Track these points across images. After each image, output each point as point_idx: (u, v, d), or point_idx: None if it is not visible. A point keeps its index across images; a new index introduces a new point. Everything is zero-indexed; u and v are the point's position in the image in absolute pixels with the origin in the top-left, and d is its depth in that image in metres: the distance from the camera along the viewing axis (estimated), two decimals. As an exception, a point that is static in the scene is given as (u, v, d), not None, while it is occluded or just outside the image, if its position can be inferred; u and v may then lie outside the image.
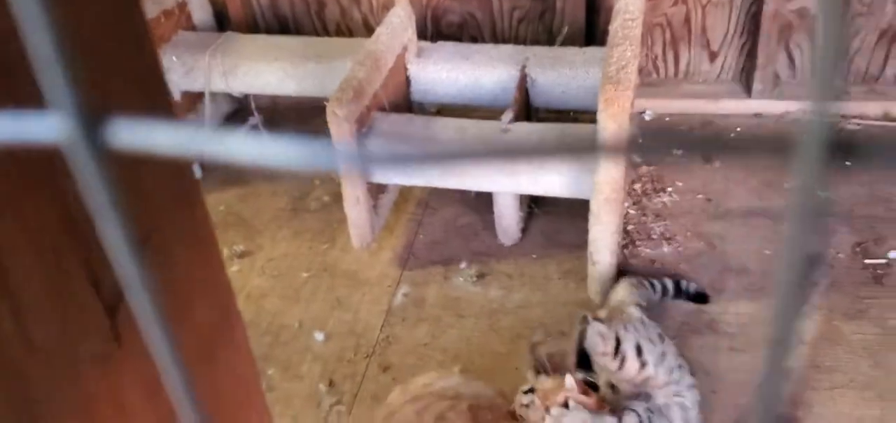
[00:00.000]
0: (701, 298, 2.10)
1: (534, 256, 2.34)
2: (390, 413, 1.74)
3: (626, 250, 2.28)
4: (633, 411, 1.61)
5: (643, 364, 1.69)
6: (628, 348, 1.69)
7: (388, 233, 2.46)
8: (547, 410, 1.59)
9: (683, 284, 2.11)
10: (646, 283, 2.06)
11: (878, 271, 2.12)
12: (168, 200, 0.53)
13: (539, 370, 1.81)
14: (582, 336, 1.72)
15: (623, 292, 2.00)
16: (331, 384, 2.02)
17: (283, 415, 1.93)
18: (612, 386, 1.72)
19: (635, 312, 1.89)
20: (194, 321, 0.61)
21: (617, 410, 1.64)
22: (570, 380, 1.62)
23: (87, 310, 0.46)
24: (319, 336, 2.15)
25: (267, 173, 2.78)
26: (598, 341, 1.69)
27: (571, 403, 1.56)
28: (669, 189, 2.49)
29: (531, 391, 1.68)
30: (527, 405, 1.64)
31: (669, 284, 2.10)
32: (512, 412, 1.70)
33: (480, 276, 2.30)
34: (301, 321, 2.21)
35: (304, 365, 2.08)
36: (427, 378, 1.83)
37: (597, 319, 1.76)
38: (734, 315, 2.07)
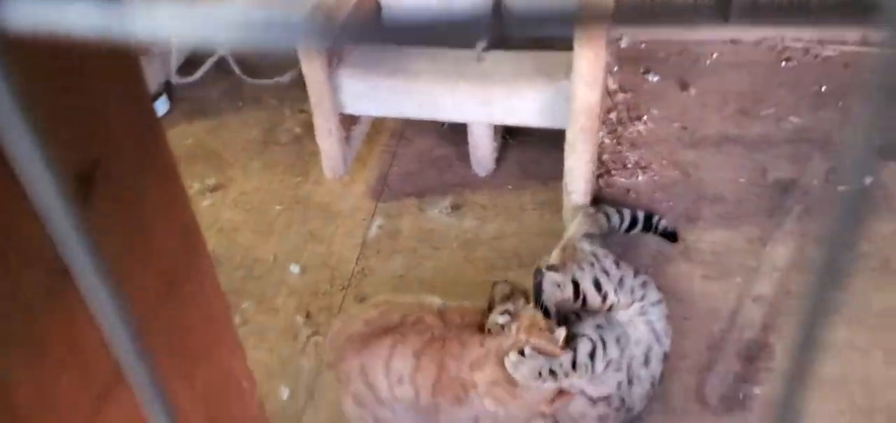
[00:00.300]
0: (670, 236, 2.10)
1: (509, 187, 2.32)
2: (355, 314, 1.74)
3: (601, 180, 2.27)
4: (585, 336, 1.59)
5: (605, 296, 1.71)
6: (587, 287, 1.71)
7: (361, 165, 2.43)
8: (519, 342, 1.58)
9: (655, 218, 2.10)
10: (611, 211, 2.05)
11: (851, 198, 2.12)
12: (119, 125, 0.50)
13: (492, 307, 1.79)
14: (538, 289, 1.69)
15: (573, 228, 1.99)
16: (307, 316, 2.01)
17: (258, 348, 1.92)
18: (578, 314, 1.72)
19: (586, 246, 1.87)
20: (155, 255, 0.59)
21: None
22: (560, 334, 1.56)
23: (29, 239, 0.43)
24: (295, 269, 2.13)
25: (236, 105, 2.72)
26: (556, 291, 1.69)
27: (527, 350, 1.54)
28: (645, 117, 2.47)
29: (509, 313, 1.66)
30: (502, 326, 1.62)
31: (640, 215, 2.09)
32: (481, 324, 1.67)
33: (455, 207, 2.28)
34: (275, 255, 2.18)
35: (279, 298, 2.07)
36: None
37: (551, 268, 1.74)
38: (708, 243, 2.08)
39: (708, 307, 1.93)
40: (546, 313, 1.65)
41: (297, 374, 1.88)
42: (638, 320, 1.68)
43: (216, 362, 0.66)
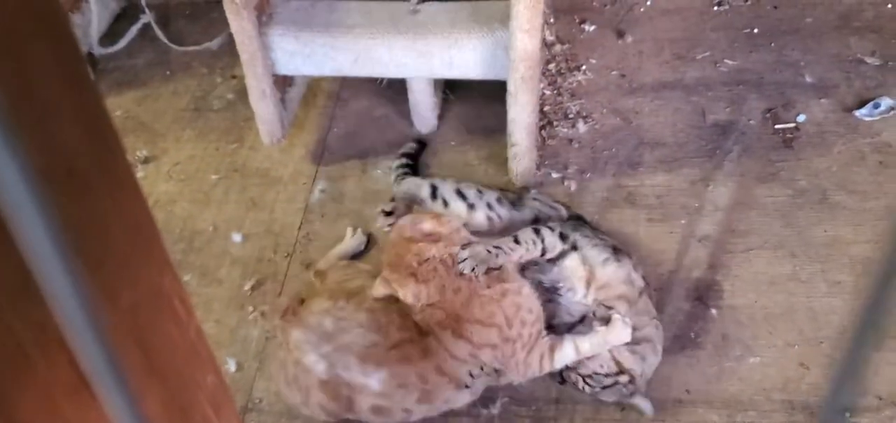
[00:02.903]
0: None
1: (452, 143, 2.30)
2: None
3: (543, 132, 2.26)
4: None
5: (471, 206, 1.90)
6: (447, 194, 1.94)
7: (298, 129, 2.36)
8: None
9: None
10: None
11: (788, 135, 2.17)
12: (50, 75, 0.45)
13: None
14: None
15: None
16: (253, 286, 1.95)
17: (205, 321, 1.86)
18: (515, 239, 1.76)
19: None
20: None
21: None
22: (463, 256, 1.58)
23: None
24: (237, 238, 2.06)
25: (164, 74, 2.62)
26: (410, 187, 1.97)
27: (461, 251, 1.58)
28: (584, 67, 2.47)
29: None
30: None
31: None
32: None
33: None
34: (215, 224, 2.11)
35: (222, 269, 2.00)
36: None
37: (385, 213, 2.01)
38: (651, 188, 2.09)
39: (654, 250, 1.94)
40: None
41: (246, 344, 1.83)
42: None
43: (143, 279, 0.60)
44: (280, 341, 1.63)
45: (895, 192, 1.99)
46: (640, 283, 1.69)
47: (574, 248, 1.71)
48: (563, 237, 1.72)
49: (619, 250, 1.75)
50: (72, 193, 0.51)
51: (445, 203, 1.94)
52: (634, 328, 1.59)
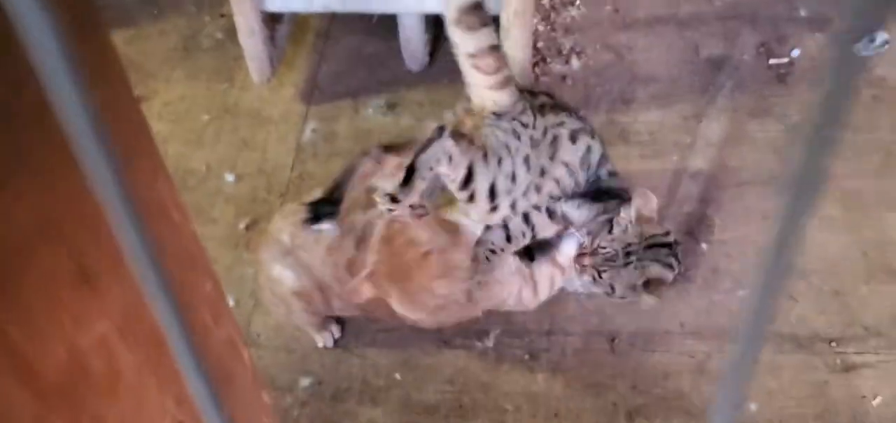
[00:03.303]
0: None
1: (444, 81, 2.28)
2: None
3: (536, 68, 2.25)
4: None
5: (494, 207, 1.46)
6: (480, 187, 1.43)
7: (288, 68, 2.34)
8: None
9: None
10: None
11: (781, 70, 2.16)
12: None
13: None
14: (427, 145, 1.36)
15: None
16: (248, 225, 1.96)
17: (197, 261, 1.87)
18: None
19: (500, 133, 1.46)
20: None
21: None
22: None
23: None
24: (230, 178, 2.06)
25: (152, 13, 2.58)
26: (441, 161, 1.37)
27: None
28: (577, 2, 2.44)
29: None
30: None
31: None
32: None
33: (391, 106, 2.24)
34: (208, 164, 2.11)
35: (216, 208, 2.01)
36: None
37: (456, 134, 1.41)
38: (644, 124, 2.09)
39: (647, 186, 1.94)
40: (410, 172, 1.36)
41: (243, 282, 1.85)
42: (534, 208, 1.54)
43: (137, 181, 0.59)
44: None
45: (888, 126, 1.99)
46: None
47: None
48: (550, 214, 1.54)
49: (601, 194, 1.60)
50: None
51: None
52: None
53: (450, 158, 1.38)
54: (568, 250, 1.54)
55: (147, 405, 0.53)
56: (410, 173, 1.36)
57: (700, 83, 2.16)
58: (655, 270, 1.47)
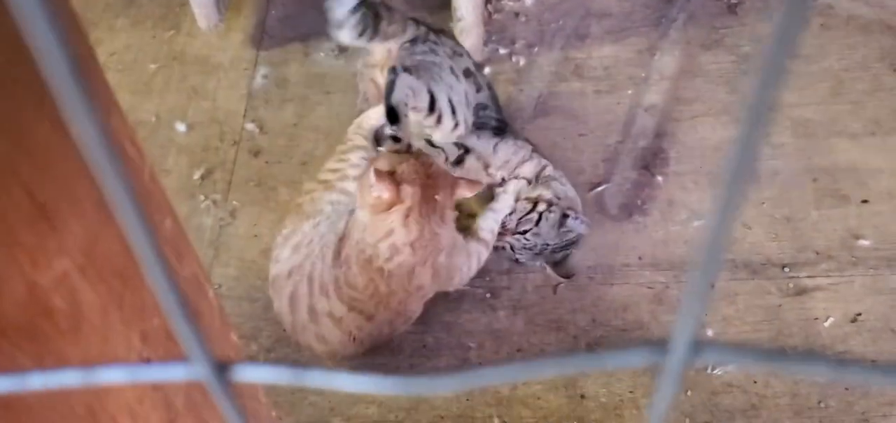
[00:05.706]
0: None
1: (396, 21, 2.25)
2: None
3: (489, 6, 2.23)
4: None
5: (456, 123, 1.58)
6: (443, 106, 1.54)
7: (235, 13, 2.28)
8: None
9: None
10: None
11: (732, 1, 2.18)
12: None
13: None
14: (390, 88, 1.44)
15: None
16: (203, 175, 1.92)
17: (151, 213, 1.83)
18: (430, 141, 1.65)
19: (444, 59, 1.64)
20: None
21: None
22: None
23: None
24: (181, 127, 2.02)
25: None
26: (408, 95, 1.46)
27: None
28: (528, -62, 2.41)
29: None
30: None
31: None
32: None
33: (343, 49, 2.20)
34: (158, 114, 2.06)
35: (169, 159, 1.96)
36: None
37: (408, 69, 1.50)
38: (598, 59, 2.10)
39: (602, 122, 1.96)
40: (393, 115, 1.42)
41: (201, 232, 1.82)
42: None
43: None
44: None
45: (837, 53, 2.03)
46: (528, 146, 1.72)
47: (466, 151, 1.67)
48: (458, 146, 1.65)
49: (500, 126, 1.75)
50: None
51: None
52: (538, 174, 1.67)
53: (413, 91, 1.44)
54: (487, 224, 1.61)
55: (112, 342, 0.51)
56: (394, 114, 1.42)
57: (653, 17, 2.17)
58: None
